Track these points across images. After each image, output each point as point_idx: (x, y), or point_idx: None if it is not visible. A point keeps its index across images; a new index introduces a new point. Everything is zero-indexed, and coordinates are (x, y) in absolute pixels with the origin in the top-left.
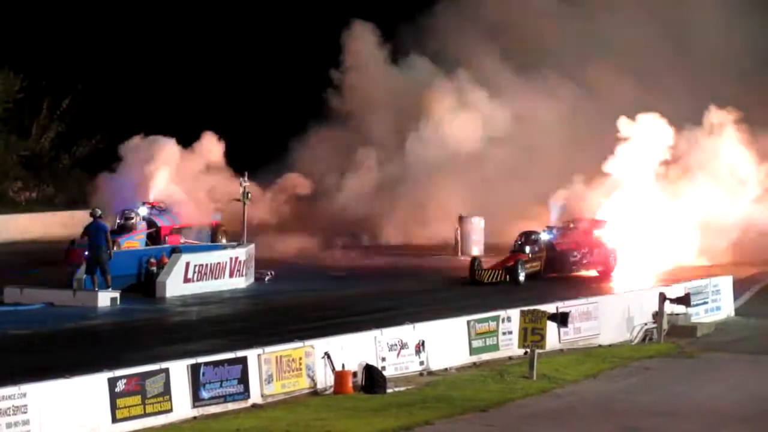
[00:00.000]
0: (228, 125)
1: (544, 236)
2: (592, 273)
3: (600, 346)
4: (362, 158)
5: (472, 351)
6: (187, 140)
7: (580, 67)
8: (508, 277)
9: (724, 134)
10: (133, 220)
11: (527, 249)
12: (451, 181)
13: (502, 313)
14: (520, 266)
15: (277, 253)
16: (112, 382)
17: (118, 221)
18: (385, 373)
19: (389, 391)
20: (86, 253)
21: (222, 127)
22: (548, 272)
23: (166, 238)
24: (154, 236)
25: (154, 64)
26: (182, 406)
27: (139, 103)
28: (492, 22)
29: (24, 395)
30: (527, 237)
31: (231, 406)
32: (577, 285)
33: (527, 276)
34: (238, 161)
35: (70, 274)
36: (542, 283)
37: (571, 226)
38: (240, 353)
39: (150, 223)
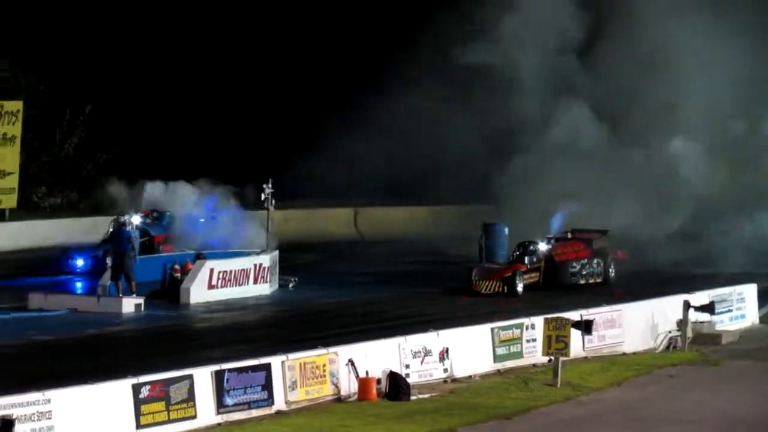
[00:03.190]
0: (246, 135)
1: (543, 247)
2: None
3: (624, 353)
4: None
5: (496, 358)
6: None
7: None
8: (505, 288)
9: None
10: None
11: (525, 260)
12: None
13: (526, 321)
14: (518, 277)
15: None
16: (137, 389)
17: (111, 230)
18: (409, 380)
19: (413, 398)
20: (108, 259)
21: (238, 137)
22: (546, 283)
23: (160, 247)
24: (147, 245)
25: (177, 72)
26: (206, 413)
27: (161, 110)
28: None
29: (48, 401)
30: (525, 248)
31: (255, 412)
32: (576, 296)
33: (525, 287)
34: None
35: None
36: (540, 294)
37: (570, 236)
38: (264, 360)
39: (143, 233)
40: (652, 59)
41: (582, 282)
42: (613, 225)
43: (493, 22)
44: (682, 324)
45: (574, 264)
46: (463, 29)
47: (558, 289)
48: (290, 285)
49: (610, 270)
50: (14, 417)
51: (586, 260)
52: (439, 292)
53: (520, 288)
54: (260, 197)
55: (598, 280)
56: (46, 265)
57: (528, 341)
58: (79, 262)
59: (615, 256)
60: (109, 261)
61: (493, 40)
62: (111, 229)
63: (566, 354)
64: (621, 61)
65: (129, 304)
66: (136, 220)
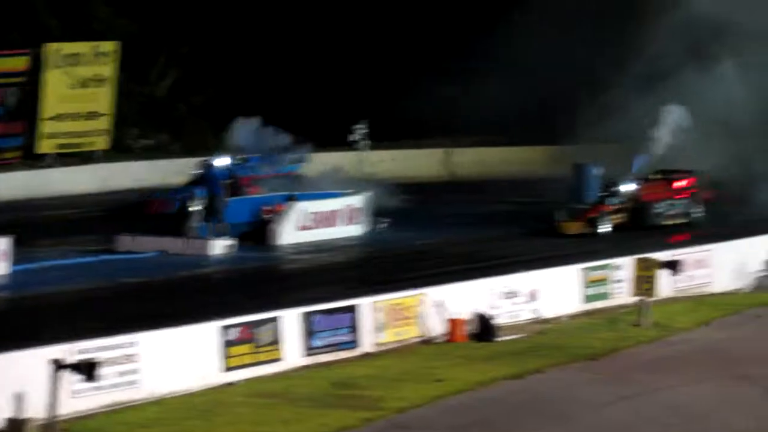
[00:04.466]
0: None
1: (628, 187)
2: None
3: (713, 293)
4: None
5: (585, 299)
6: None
7: None
8: (591, 228)
9: None
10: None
11: (611, 200)
12: None
13: (614, 261)
14: (603, 218)
15: None
16: (224, 331)
17: (198, 172)
18: (497, 321)
19: (501, 339)
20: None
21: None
22: (633, 224)
23: (246, 189)
24: (234, 187)
25: (272, 12)
26: (293, 355)
27: (255, 51)
28: None
29: (134, 344)
30: (611, 188)
31: (342, 354)
32: (662, 236)
33: (611, 228)
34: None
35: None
36: (626, 235)
37: (657, 177)
38: (352, 301)
39: (230, 174)
40: None
41: (668, 223)
42: (704, 167)
43: None
44: None
45: (660, 204)
46: None
47: (644, 229)
48: (382, 226)
49: (697, 210)
50: (99, 360)
51: (672, 200)
52: (526, 233)
53: (605, 229)
54: (353, 138)
55: (685, 221)
56: (131, 207)
57: (616, 282)
58: (165, 204)
59: (702, 197)
60: (195, 203)
61: None
62: (198, 171)
63: (654, 294)
64: None
65: (219, 246)
66: (224, 161)
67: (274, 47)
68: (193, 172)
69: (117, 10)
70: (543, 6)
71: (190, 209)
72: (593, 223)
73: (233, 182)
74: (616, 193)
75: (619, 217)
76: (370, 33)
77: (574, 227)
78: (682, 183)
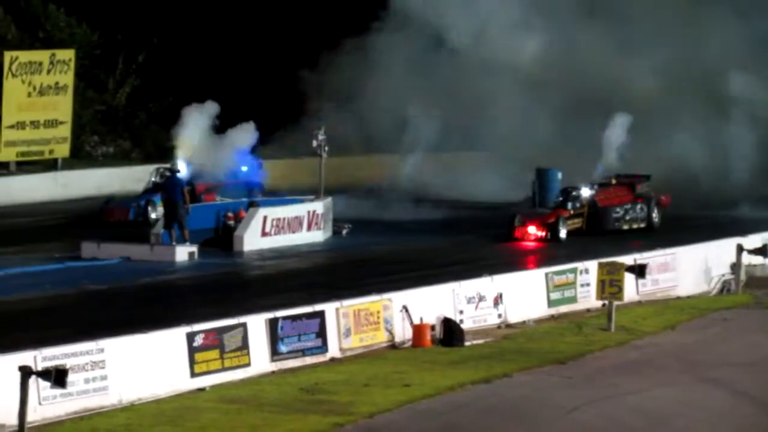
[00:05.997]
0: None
1: (586, 192)
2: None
3: (678, 297)
4: None
5: (550, 303)
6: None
7: None
8: (549, 233)
9: None
10: None
11: (569, 205)
12: None
13: (579, 265)
14: (561, 223)
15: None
16: (190, 337)
17: (154, 179)
18: (463, 325)
19: (467, 343)
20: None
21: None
22: (590, 228)
23: (202, 196)
24: (191, 194)
25: (231, 19)
26: (260, 361)
27: (215, 58)
28: None
29: (102, 350)
30: (568, 193)
31: (309, 360)
32: (621, 241)
33: (568, 233)
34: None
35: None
36: (584, 240)
37: (614, 182)
38: (318, 307)
39: (187, 181)
40: None
41: (625, 227)
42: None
43: None
44: (735, 267)
45: (618, 209)
46: None
47: (601, 234)
48: (344, 232)
49: (654, 215)
50: (68, 367)
51: (629, 205)
52: (489, 238)
53: (563, 234)
54: (313, 144)
55: (642, 225)
56: (91, 215)
57: (582, 286)
58: (123, 211)
59: (658, 201)
60: (152, 210)
61: None
62: (153, 179)
63: (620, 298)
64: None
65: (182, 253)
66: (182, 168)
67: (232, 53)
68: (152, 179)
69: (77, 18)
70: None
71: (152, 216)
72: (552, 228)
73: (191, 189)
74: (575, 198)
75: (576, 222)
76: (329, 40)
77: (533, 232)
78: (641, 187)
